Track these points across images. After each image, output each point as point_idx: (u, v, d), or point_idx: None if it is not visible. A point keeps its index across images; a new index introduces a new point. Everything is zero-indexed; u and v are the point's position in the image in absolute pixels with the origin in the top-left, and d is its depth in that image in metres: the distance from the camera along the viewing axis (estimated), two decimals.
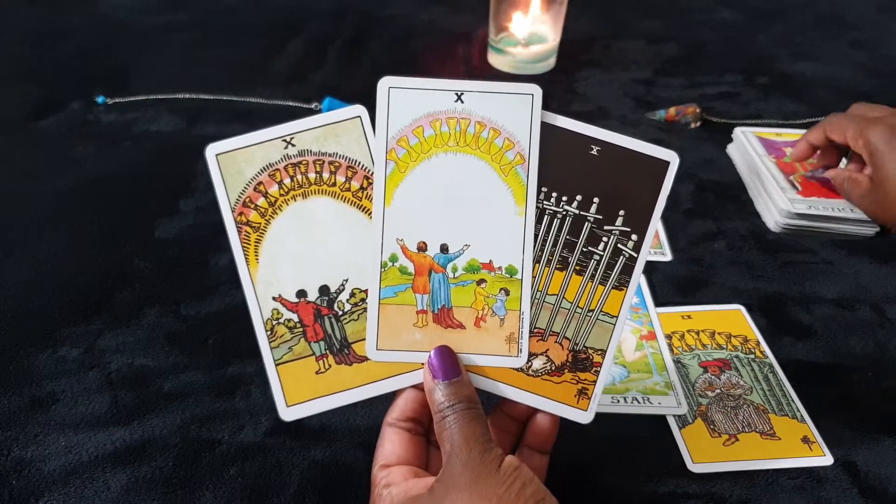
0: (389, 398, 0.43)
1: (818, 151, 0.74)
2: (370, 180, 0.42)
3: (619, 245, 0.42)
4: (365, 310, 0.42)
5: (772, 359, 0.59)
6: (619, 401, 0.55)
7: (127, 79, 0.95)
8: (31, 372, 0.56)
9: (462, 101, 0.41)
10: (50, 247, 0.67)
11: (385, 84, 0.41)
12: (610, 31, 1.15)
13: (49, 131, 0.85)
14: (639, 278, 0.42)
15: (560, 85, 0.99)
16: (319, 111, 0.40)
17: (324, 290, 0.42)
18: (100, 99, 0.89)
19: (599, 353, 0.42)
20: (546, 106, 0.42)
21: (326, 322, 0.42)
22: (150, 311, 0.61)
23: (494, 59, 1.02)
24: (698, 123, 0.90)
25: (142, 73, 0.97)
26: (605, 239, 0.42)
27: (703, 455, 0.52)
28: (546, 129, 0.41)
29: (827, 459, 0.52)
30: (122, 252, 0.67)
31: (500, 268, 0.42)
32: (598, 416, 0.44)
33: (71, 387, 0.55)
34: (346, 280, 0.42)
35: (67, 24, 1.09)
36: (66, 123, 0.86)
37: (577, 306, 0.42)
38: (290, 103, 0.90)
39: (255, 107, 0.90)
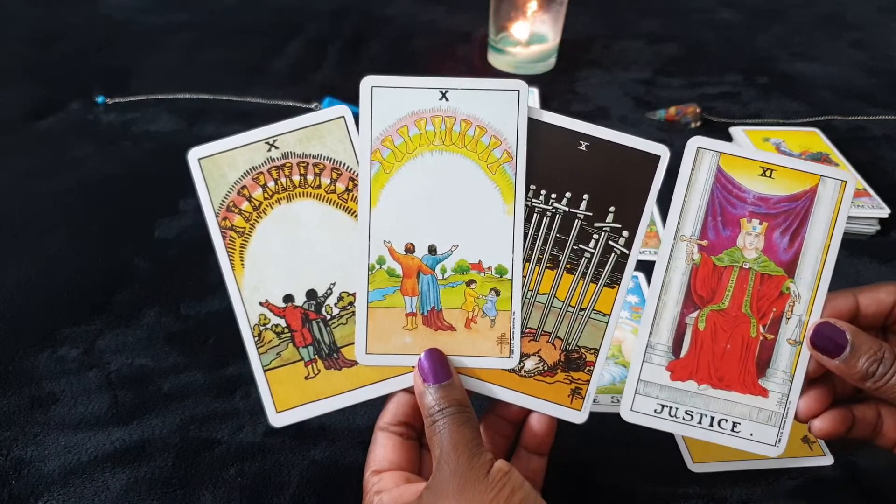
0: (385, 400, 0.43)
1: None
2: (355, 181, 0.42)
3: (611, 242, 0.42)
4: (353, 313, 0.42)
5: None
6: (619, 401, 0.55)
7: (127, 79, 0.95)
8: (31, 372, 0.56)
9: (447, 99, 0.41)
10: (50, 247, 0.67)
11: (368, 83, 0.41)
12: (610, 31, 1.15)
13: (49, 131, 0.85)
14: (631, 275, 0.42)
15: (560, 85, 0.99)
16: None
17: (311, 294, 0.42)
18: (100, 99, 0.89)
19: (592, 352, 0.42)
20: (546, 106, 0.41)
21: (314, 327, 0.42)
22: (149, 311, 0.61)
23: (494, 59, 1.02)
24: (698, 123, 0.90)
25: (142, 73, 0.97)
26: (595, 236, 0.42)
27: (703, 455, 0.51)
28: (533, 125, 0.41)
29: (827, 459, 0.52)
30: (122, 252, 0.67)
31: (489, 268, 0.41)
32: (599, 415, 0.44)
33: (71, 387, 0.55)
34: (334, 284, 0.42)
35: (67, 24, 1.09)
36: (66, 123, 0.86)
37: (569, 305, 0.42)
38: (290, 103, 0.90)
39: (255, 107, 0.90)
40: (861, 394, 0.42)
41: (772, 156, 0.42)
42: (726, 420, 0.41)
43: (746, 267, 0.41)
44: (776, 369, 0.41)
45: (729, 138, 0.84)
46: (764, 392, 0.41)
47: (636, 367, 0.42)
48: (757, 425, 0.41)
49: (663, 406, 0.42)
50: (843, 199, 0.41)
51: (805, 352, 0.41)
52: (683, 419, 0.42)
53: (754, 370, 0.41)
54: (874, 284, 0.42)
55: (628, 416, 0.42)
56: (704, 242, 0.41)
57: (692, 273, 0.42)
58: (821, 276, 0.41)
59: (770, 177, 0.41)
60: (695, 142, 0.41)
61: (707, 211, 0.41)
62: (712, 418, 0.41)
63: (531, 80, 0.98)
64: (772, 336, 0.41)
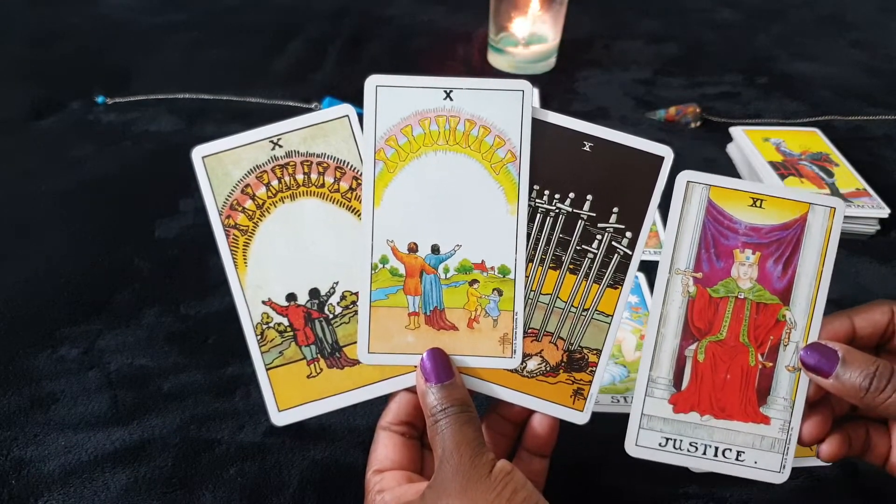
0: (387, 399, 0.43)
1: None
2: (359, 181, 0.42)
3: (614, 243, 0.42)
4: (356, 313, 0.42)
5: None
6: (619, 401, 0.55)
7: (127, 79, 0.95)
8: (31, 372, 0.56)
9: (451, 99, 0.41)
10: (50, 247, 0.67)
11: (372, 82, 0.41)
12: (610, 31, 1.15)
13: (49, 131, 0.85)
14: (634, 276, 0.42)
15: (560, 85, 0.99)
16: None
17: (314, 293, 0.42)
18: (100, 99, 0.89)
19: (595, 352, 0.42)
20: (546, 106, 0.41)
21: (317, 325, 0.42)
22: (150, 311, 0.61)
23: (494, 59, 1.02)
24: (698, 123, 0.90)
25: (142, 73, 0.97)
26: (599, 237, 0.42)
27: None
28: (537, 125, 0.41)
29: None
30: (122, 252, 0.67)
31: (492, 268, 0.41)
32: (599, 416, 0.44)
33: (71, 387, 0.55)
34: (337, 283, 0.42)
35: (67, 24, 1.09)
36: (66, 123, 0.86)
37: (572, 306, 0.42)
38: (290, 103, 0.90)
39: (255, 107, 0.90)
40: (853, 411, 0.43)
41: (761, 186, 0.42)
42: (730, 449, 0.42)
43: (742, 297, 0.42)
44: (777, 396, 0.42)
45: (729, 138, 0.85)
46: (766, 420, 0.42)
47: (639, 402, 0.42)
48: (761, 453, 0.42)
49: (668, 439, 0.42)
50: (832, 226, 0.41)
51: (804, 378, 0.41)
52: (688, 451, 0.42)
53: (755, 398, 0.42)
54: (868, 304, 0.42)
55: (634, 451, 0.42)
56: (699, 275, 0.42)
57: (689, 306, 0.42)
58: (815, 301, 0.42)
59: (760, 207, 0.42)
60: (684, 176, 0.42)
61: (700, 243, 0.42)
62: (716, 448, 0.42)
63: (531, 79, 0.97)
64: (770, 364, 0.42)
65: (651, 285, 0.65)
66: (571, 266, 0.42)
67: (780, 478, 0.42)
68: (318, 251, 0.42)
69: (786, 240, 0.42)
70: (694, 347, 0.42)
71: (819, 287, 0.42)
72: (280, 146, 0.41)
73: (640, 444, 0.42)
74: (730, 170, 0.82)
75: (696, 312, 0.42)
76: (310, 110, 0.87)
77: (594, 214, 0.41)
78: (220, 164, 0.41)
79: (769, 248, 0.42)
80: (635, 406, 0.42)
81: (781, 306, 0.42)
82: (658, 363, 0.42)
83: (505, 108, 0.41)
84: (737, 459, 0.42)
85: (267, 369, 0.42)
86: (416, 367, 0.41)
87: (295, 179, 0.41)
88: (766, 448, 0.42)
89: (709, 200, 0.42)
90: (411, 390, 0.42)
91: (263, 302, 0.42)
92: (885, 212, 0.72)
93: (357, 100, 0.42)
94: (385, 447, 0.41)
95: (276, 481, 0.49)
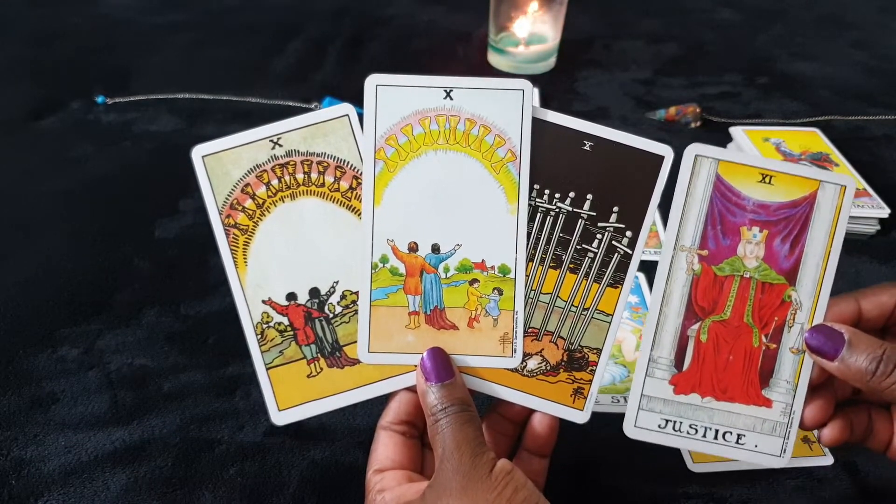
0: (387, 398, 0.43)
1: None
2: (359, 180, 0.42)
3: (614, 242, 0.42)
4: (356, 312, 0.42)
5: None
6: (619, 401, 0.55)
7: (127, 79, 0.95)
8: (31, 372, 0.56)
9: (451, 98, 0.41)
10: (50, 247, 0.67)
11: (372, 82, 0.41)
12: (610, 31, 1.15)
13: (49, 131, 0.85)
14: (634, 276, 0.42)
15: (560, 85, 0.99)
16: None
17: (314, 292, 0.42)
18: (100, 99, 0.89)
19: (595, 352, 0.42)
20: (546, 106, 0.41)
21: (317, 325, 0.42)
22: (149, 311, 0.61)
23: (494, 59, 1.02)
24: (698, 123, 0.90)
25: (142, 73, 0.97)
26: (599, 236, 0.42)
27: (703, 455, 0.51)
28: (537, 124, 0.41)
29: (827, 459, 0.52)
30: (122, 252, 0.67)
31: (492, 267, 0.41)
32: (599, 416, 0.44)
33: (70, 387, 0.55)
34: (337, 282, 0.42)
35: (67, 24, 1.09)
36: (66, 123, 0.86)
37: (572, 305, 0.42)
38: (290, 103, 0.90)
39: (254, 107, 0.90)
40: (855, 396, 0.43)
41: (771, 162, 0.41)
42: (731, 432, 0.41)
43: (747, 276, 0.41)
44: (779, 379, 0.41)
45: (729, 138, 0.84)
46: (767, 402, 0.41)
47: (639, 383, 0.41)
48: (761, 436, 0.41)
49: (667, 421, 0.41)
50: (842, 204, 0.41)
51: (808, 360, 0.41)
52: (688, 433, 0.41)
53: (757, 381, 0.41)
54: (875, 287, 0.42)
55: (632, 433, 0.42)
56: (704, 252, 0.41)
57: (693, 284, 0.41)
58: (822, 283, 0.41)
59: (769, 183, 0.41)
60: (693, 149, 0.41)
61: (706, 220, 0.41)
62: (717, 431, 0.41)
63: (531, 79, 0.98)
64: (774, 345, 0.41)
65: (651, 285, 0.65)
66: (572, 265, 0.42)
67: (781, 462, 0.41)
68: (318, 250, 0.42)
69: (794, 218, 0.41)
70: (697, 327, 0.41)
71: (826, 268, 0.41)
72: (280, 145, 0.41)
73: (639, 425, 0.41)
74: None
75: (700, 291, 0.41)
76: (310, 110, 0.87)
77: (594, 214, 0.41)
78: (220, 164, 0.41)
79: (777, 227, 0.41)
80: (635, 386, 0.41)
81: (787, 286, 0.41)
82: (659, 343, 0.41)
83: (505, 108, 0.41)
84: (737, 443, 0.41)
85: (267, 369, 0.42)
86: (416, 366, 0.41)
87: (295, 179, 0.41)
88: (767, 431, 0.41)
89: (717, 175, 0.41)
90: (411, 389, 0.42)
91: (263, 301, 0.42)
92: (885, 212, 0.72)
93: (357, 100, 0.42)
94: (385, 447, 0.41)
95: (276, 481, 0.49)
